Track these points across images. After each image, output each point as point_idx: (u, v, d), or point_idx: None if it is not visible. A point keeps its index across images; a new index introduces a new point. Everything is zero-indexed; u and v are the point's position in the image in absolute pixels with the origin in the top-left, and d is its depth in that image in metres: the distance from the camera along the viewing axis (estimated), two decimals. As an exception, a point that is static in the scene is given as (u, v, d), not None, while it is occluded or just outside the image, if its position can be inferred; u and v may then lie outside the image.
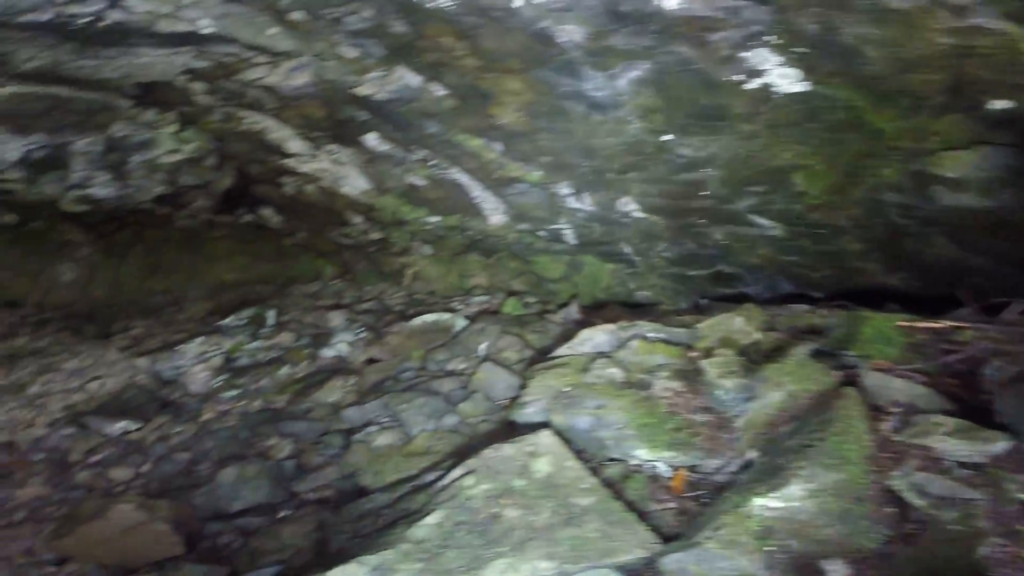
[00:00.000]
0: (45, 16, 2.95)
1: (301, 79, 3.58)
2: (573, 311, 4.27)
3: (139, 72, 3.77)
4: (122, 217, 6.43)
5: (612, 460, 2.27)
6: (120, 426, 3.90)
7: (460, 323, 4.29)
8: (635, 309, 4.21)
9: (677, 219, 3.53)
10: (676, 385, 2.47)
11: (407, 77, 3.36)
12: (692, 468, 2.18)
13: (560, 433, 2.33)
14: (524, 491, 2.05)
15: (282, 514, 2.96)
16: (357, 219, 5.19)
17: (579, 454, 2.26)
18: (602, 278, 4.47)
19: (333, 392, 3.92)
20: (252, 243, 6.92)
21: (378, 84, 3.44)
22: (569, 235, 4.17)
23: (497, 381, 3.43)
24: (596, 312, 4.15)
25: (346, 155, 4.36)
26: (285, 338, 4.67)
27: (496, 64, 3.00)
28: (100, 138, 4.22)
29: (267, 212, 5.38)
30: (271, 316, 5.00)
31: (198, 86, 3.95)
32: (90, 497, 3.35)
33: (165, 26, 3.26)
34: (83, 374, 4.81)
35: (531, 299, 4.76)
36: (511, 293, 4.89)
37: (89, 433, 3.93)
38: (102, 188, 4.46)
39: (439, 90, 3.37)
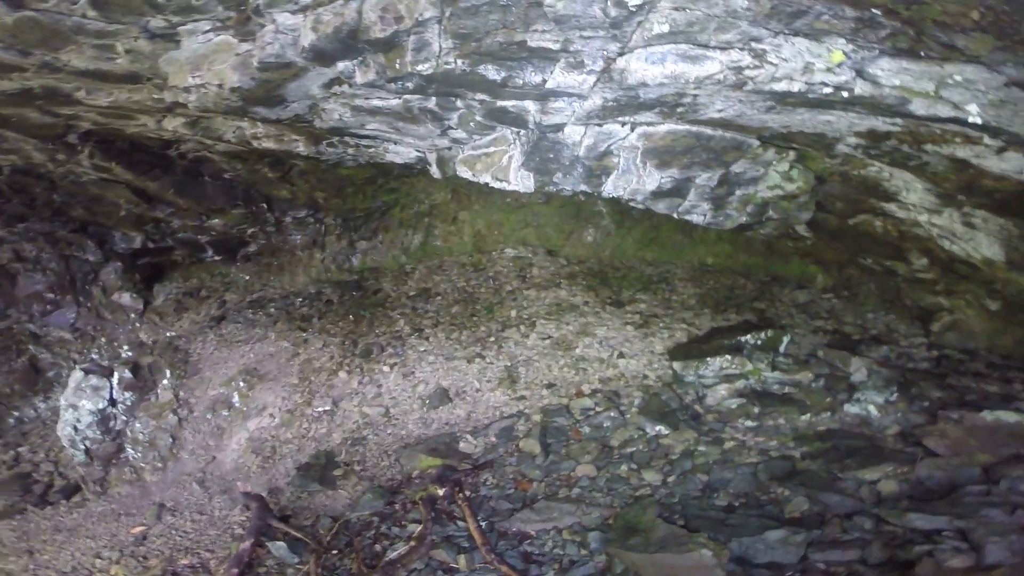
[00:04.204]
0: (795, 87, 3.27)
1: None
2: None
3: (800, 125, 3.97)
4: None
5: None
6: (657, 428, 4.70)
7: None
8: None
9: None
10: None
11: None
12: None
13: None
14: None
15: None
16: (920, 261, 4.67)
17: None
18: None
19: (875, 474, 3.75)
20: (743, 234, 7.16)
21: None
22: None
23: None
24: None
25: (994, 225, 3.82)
26: (803, 376, 4.77)
27: None
28: (718, 174, 4.70)
29: (800, 227, 5.39)
30: (785, 342, 5.16)
31: (853, 140, 3.98)
32: (631, 505, 3.89)
33: (919, 107, 3.14)
34: (610, 346, 6.08)
35: None
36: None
37: (626, 423, 4.88)
38: (699, 215, 5.15)
39: None
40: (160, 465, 6.16)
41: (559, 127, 4.48)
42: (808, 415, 4.41)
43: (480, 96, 4.20)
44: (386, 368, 6.62)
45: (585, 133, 4.49)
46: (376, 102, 4.89)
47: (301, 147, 6.65)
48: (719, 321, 6.31)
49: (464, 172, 5.46)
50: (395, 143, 6.03)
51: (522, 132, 4.72)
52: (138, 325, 9.20)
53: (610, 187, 4.88)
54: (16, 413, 8.46)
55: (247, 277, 9.86)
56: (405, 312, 7.71)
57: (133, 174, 7.72)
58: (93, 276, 9.30)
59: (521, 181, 4.98)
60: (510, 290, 7.60)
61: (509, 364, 6.16)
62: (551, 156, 4.77)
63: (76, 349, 8.95)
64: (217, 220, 9.05)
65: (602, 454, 4.62)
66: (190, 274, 10.04)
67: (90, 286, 9.23)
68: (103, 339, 9.09)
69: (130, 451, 6.28)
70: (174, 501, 5.52)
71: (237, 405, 6.69)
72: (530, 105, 4.22)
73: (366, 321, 7.70)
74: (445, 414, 5.71)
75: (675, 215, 5.17)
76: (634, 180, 4.78)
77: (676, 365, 5.32)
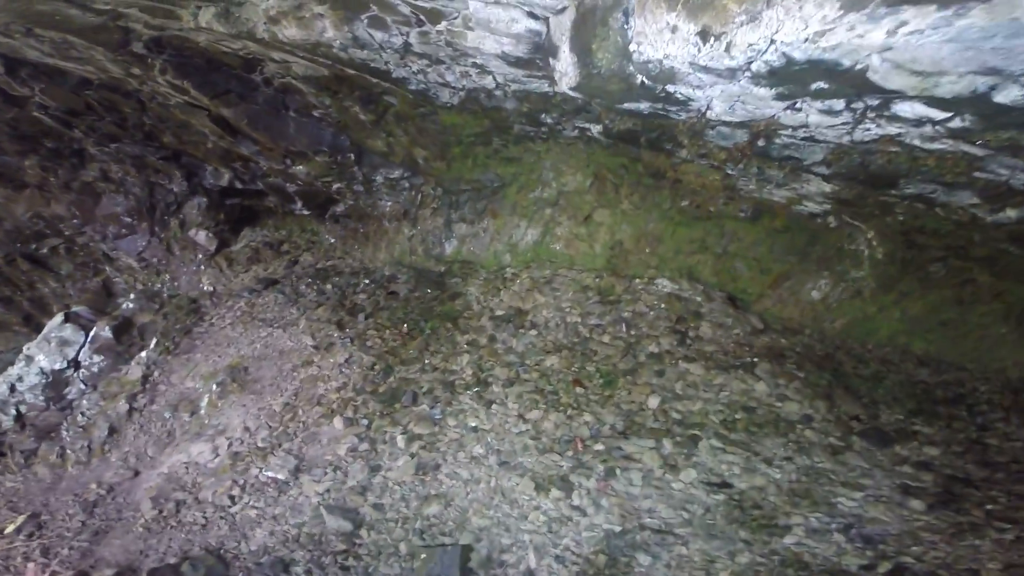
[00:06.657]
0: None
1: None
2: None
3: None
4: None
5: None
6: None
7: None
8: None
9: None
10: None
11: None
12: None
13: None
14: None
15: None
16: None
17: None
18: None
19: None
20: None
21: None
22: None
23: None
24: None
25: None
26: None
27: None
28: None
29: None
30: None
31: None
32: None
33: None
34: (867, 539, 2.56)
35: None
36: None
37: None
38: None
39: None
40: (84, 459, 4.35)
41: None
42: None
43: None
44: (400, 440, 3.90)
45: None
46: None
47: (329, 30, 4.20)
48: None
49: (652, 38, 2.13)
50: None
51: None
52: (203, 268, 7.85)
53: None
54: (72, 335, 7.67)
55: (332, 240, 8.05)
56: (478, 342, 4.93)
57: (207, 96, 6.37)
58: (176, 208, 8.16)
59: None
60: (654, 353, 4.35)
61: (620, 528, 2.95)
62: None
63: (140, 279, 7.89)
64: (301, 167, 7.36)
65: None
66: (282, 225, 8.59)
67: (169, 217, 8.09)
68: (167, 275, 7.91)
69: (65, 431, 4.53)
70: (50, 516, 3.68)
71: (201, 413, 4.56)
72: None
73: (420, 340, 5.10)
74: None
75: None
76: None
77: None
